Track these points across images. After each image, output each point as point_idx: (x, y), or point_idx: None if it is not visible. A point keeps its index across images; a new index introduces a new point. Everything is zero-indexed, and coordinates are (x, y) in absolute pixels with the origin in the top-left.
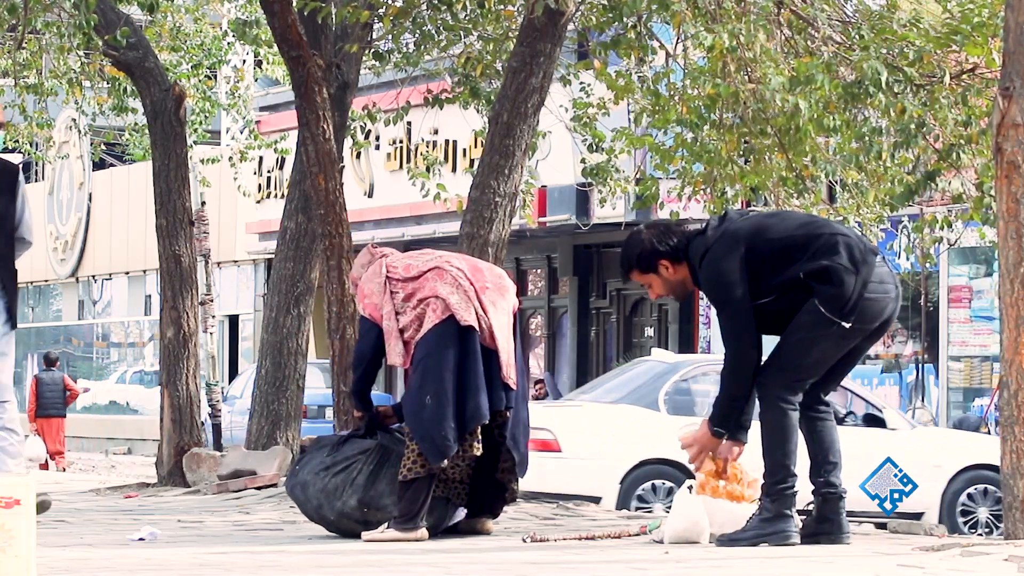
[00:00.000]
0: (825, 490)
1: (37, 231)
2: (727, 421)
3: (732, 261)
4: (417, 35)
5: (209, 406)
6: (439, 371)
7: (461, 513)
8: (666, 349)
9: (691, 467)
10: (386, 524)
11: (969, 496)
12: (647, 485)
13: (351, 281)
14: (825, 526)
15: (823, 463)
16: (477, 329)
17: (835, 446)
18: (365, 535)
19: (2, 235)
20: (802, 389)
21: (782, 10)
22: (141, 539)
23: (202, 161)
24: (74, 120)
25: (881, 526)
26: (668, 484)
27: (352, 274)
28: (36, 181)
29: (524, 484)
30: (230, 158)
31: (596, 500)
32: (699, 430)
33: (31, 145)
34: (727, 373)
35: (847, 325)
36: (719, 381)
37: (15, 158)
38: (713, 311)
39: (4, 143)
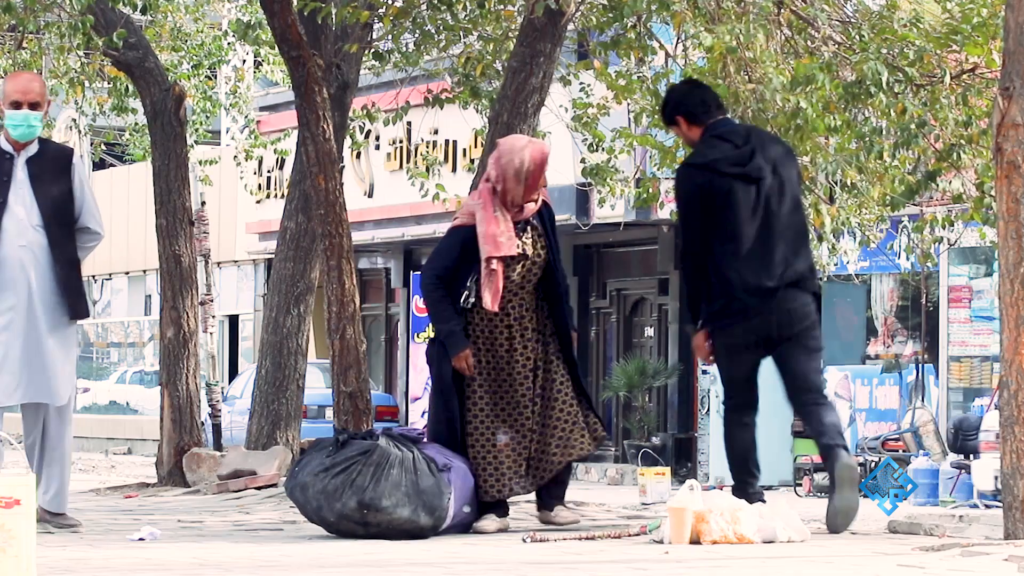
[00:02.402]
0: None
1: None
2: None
3: (690, 194)
4: (417, 35)
5: (209, 406)
6: None
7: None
8: (666, 349)
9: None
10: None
11: None
12: None
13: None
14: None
15: (819, 445)
16: None
17: (827, 428)
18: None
19: (59, 224)
20: (739, 400)
21: (782, 10)
22: (141, 539)
23: (200, 162)
24: (74, 120)
25: None
26: None
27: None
28: None
29: None
30: (235, 157)
31: None
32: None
33: None
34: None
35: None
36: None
37: None
38: None
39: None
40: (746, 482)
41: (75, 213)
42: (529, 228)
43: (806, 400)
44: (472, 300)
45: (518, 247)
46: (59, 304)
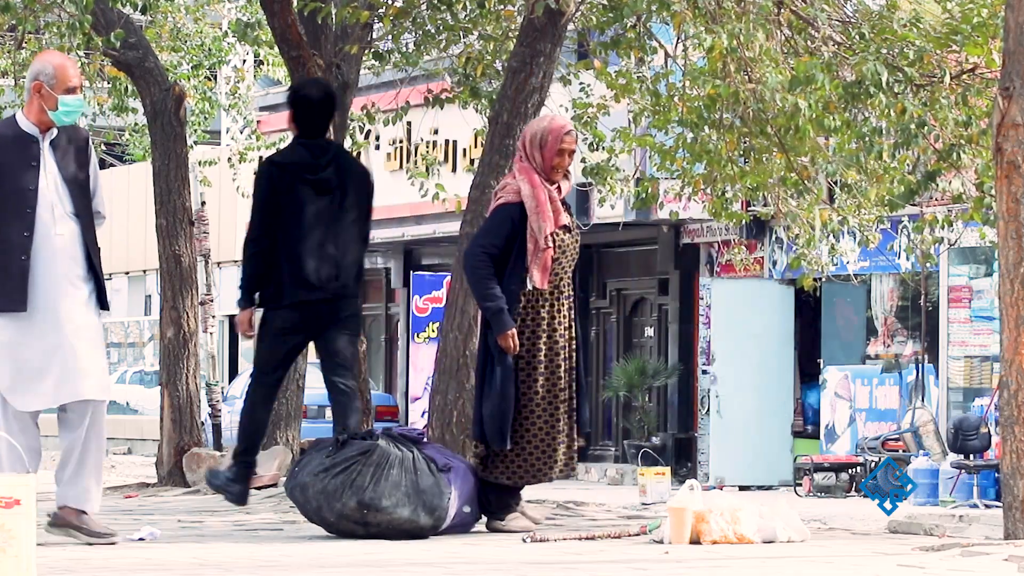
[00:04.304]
0: None
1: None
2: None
3: (263, 188)
4: (417, 35)
5: (209, 406)
6: None
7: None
8: (666, 349)
9: None
10: None
11: None
12: None
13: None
14: None
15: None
16: None
17: (352, 414)
18: None
19: (85, 210)
20: (271, 379)
21: (782, 10)
22: (141, 539)
23: (200, 163)
24: None
25: None
26: None
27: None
28: None
29: None
30: (229, 159)
31: None
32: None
33: None
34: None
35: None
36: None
37: None
38: (713, 312)
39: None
40: (250, 451)
41: (91, 196)
42: (565, 207)
43: (340, 376)
44: (530, 283)
45: (565, 218)
46: (91, 296)
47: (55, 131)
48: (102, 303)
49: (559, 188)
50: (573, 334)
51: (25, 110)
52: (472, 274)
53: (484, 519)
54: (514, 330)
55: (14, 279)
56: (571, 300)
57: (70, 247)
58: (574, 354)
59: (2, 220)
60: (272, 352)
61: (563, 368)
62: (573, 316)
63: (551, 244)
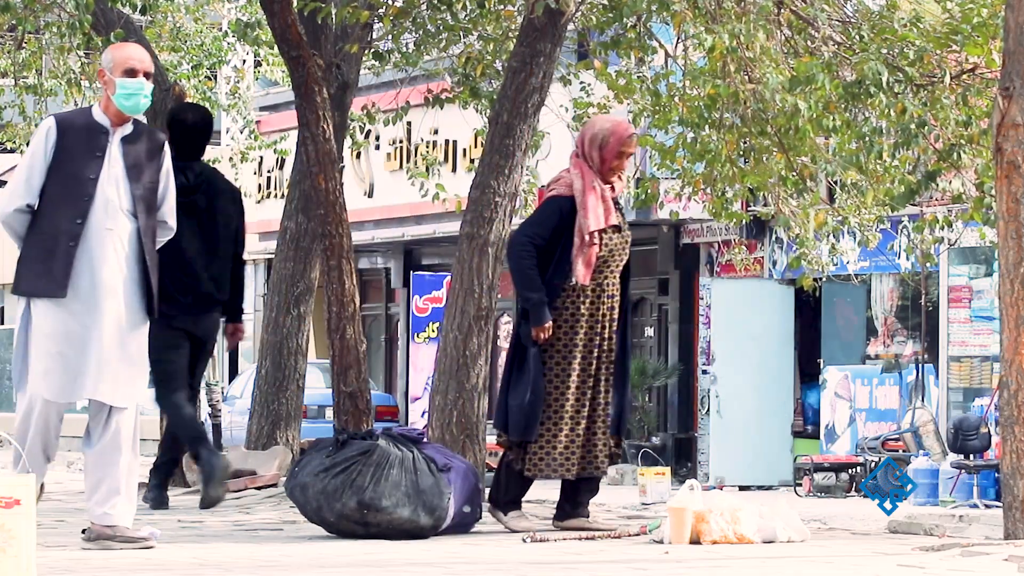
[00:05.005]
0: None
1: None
2: None
3: None
4: (417, 35)
5: (209, 406)
6: None
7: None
8: (666, 349)
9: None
10: None
11: None
12: None
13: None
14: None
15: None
16: None
17: (188, 421)
18: None
19: (147, 212)
20: (177, 385)
21: (782, 10)
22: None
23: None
24: None
25: None
26: None
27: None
28: None
29: None
30: (231, 158)
31: None
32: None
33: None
34: None
35: None
36: None
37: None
38: (713, 312)
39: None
40: (202, 442)
41: (157, 203)
42: (616, 207)
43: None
44: (574, 279)
45: (616, 218)
46: (139, 299)
47: (130, 127)
48: (152, 308)
49: (612, 187)
50: (612, 334)
51: (101, 103)
52: (516, 263)
53: (487, 508)
54: (550, 323)
55: (59, 263)
56: (615, 300)
57: (121, 243)
58: (613, 355)
59: (56, 205)
60: (171, 365)
61: (595, 367)
62: (615, 317)
63: (596, 241)
